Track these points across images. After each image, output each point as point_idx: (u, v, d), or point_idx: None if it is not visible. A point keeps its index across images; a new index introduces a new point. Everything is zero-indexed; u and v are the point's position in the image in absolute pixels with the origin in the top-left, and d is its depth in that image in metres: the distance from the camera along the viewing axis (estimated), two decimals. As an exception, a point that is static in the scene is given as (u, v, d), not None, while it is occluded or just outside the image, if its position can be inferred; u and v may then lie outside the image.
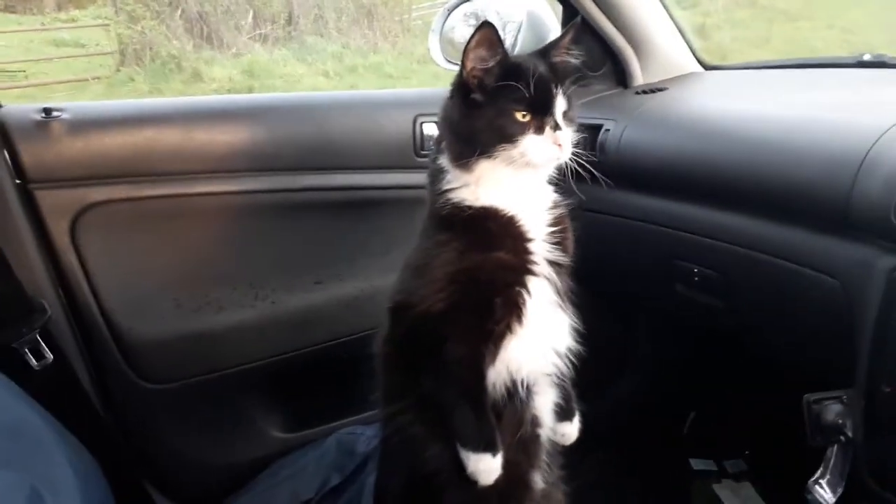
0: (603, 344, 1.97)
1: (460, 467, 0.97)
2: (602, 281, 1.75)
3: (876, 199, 1.03)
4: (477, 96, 0.94)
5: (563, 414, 1.08)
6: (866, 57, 1.54)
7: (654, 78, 1.78)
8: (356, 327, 1.60)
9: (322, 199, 1.61)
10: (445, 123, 1.01)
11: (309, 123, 1.59)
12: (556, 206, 1.02)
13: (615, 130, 1.55)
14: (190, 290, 1.53)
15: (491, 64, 0.94)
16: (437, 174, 1.01)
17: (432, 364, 0.96)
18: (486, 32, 0.92)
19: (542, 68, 0.96)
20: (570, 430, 1.10)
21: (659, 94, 1.65)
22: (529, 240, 0.98)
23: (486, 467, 0.96)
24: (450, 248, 0.96)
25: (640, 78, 1.78)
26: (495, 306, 0.96)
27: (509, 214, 0.98)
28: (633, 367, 1.99)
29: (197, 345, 1.53)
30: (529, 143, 0.93)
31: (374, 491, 1.23)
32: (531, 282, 0.98)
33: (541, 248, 0.99)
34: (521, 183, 0.98)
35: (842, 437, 1.05)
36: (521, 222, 0.98)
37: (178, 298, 1.52)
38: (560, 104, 0.95)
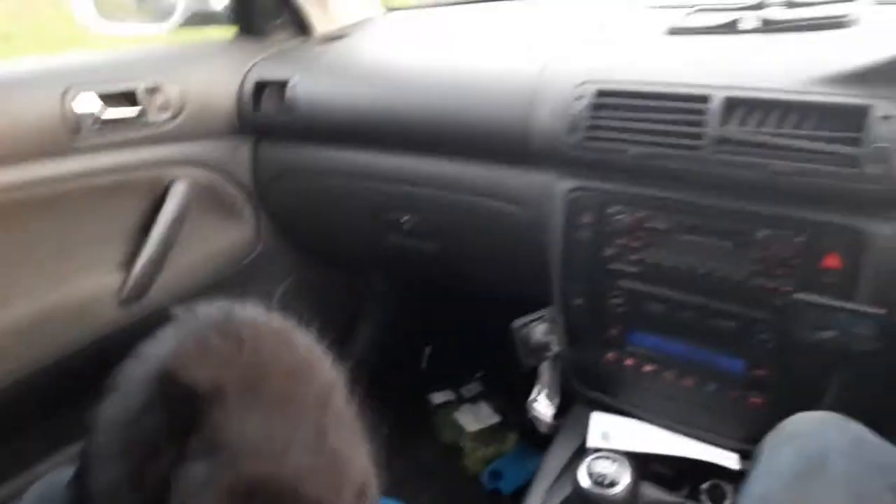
0: (334, 308, 1.94)
1: None
2: (319, 244, 1.70)
3: (548, 128, 1.10)
4: None
5: None
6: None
7: (334, 24, 1.70)
8: (34, 359, 1.32)
9: None
10: None
11: None
12: None
13: (301, 85, 1.45)
14: None
15: None
16: None
17: None
18: None
19: None
20: None
21: (339, 42, 1.58)
22: None
23: None
24: None
25: (320, 25, 1.70)
26: None
27: None
28: (367, 321, 1.99)
29: None
30: None
31: None
32: None
33: None
34: None
35: (550, 353, 1.14)
36: None
37: None
38: None
